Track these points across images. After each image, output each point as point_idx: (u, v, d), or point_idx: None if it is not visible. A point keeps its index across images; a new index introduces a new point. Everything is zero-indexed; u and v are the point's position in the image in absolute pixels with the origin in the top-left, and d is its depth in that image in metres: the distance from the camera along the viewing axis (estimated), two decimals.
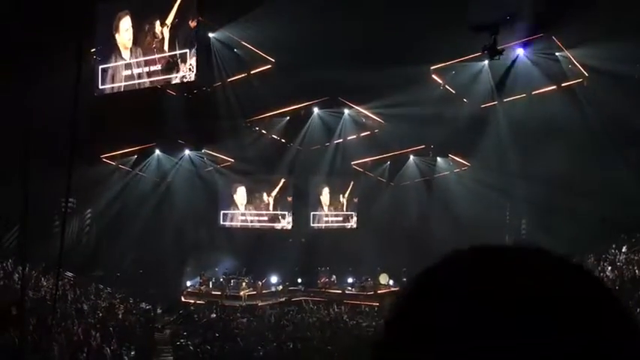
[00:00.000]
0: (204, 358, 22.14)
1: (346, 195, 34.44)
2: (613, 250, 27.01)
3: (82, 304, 23.77)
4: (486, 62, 23.27)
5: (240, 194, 33.77)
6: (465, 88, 24.70)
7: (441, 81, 24.39)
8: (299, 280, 32.68)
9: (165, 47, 19.34)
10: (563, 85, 24.03)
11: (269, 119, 28.23)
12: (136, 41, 19.91)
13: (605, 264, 26.28)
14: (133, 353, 21.01)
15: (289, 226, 33.77)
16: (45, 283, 24.12)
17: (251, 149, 29.58)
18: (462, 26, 18.51)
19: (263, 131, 29.36)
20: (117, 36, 20.14)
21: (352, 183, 34.17)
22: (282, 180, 33.28)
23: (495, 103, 25.64)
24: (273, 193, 33.63)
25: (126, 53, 20.01)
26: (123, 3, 20.05)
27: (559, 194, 26.06)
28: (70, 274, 25.67)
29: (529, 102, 24.69)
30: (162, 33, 19.42)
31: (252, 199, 33.92)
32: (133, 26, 19.93)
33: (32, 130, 20.72)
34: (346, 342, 23.05)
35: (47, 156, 21.39)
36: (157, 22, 19.45)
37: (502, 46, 19.40)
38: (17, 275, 22.07)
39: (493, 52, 18.16)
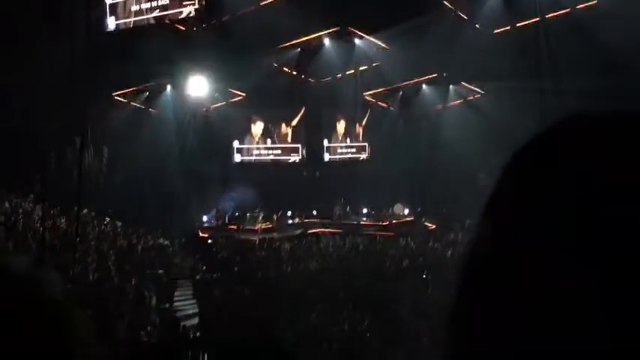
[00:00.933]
0: (224, 290, 22.56)
1: (359, 126, 34.33)
2: None
3: (101, 242, 24.07)
4: None
5: (256, 127, 33.71)
6: (477, 14, 24.35)
7: (452, 7, 24.04)
8: (314, 212, 32.87)
9: None
10: (577, 7, 23.61)
11: (280, 51, 28.00)
12: None
13: None
14: (153, 288, 21.43)
15: (303, 159, 33.80)
16: (63, 222, 24.39)
17: (262, 83, 29.39)
18: None
19: (274, 64, 29.14)
20: None
21: (365, 114, 34.01)
22: (296, 111, 33.15)
23: (508, 28, 25.28)
24: (287, 127, 33.55)
25: None
26: None
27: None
28: (87, 211, 25.93)
29: (542, 26, 24.32)
30: None
31: (265, 133, 33.87)
32: None
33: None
34: (362, 270, 23.43)
35: (59, 94, 21.47)
36: None
37: None
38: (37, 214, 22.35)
39: None
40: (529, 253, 0.66)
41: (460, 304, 0.73)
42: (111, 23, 19.99)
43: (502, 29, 25.45)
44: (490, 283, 0.69)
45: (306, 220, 32.35)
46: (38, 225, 21.20)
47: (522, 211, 0.69)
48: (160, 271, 23.37)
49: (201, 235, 30.39)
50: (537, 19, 24.25)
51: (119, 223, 26.99)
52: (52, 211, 23.54)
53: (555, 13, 23.93)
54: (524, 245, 0.67)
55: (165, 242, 27.32)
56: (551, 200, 0.67)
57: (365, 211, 32.94)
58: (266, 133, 33.85)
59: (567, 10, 23.75)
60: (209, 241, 29.28)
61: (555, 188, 0.67)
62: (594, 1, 22.95)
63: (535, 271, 0.65)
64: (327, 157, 34.15)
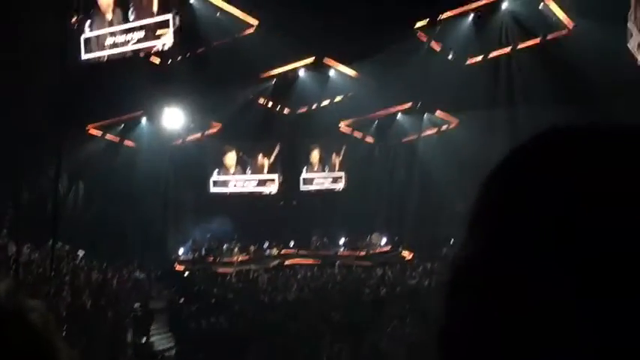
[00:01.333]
0: (201, 323, 22.36)
1: (335, 156, 34.42)
2: None
3: (75, 276, 23.78)
4: (470, 18, 23.24)
5: (230, 159, 33.71)
6: (451, 43, 24.67)
7: (425, 37, 24.33)
8: (291, 243, 32.80)
9: (147, 13, 19.13)
10: (547, 37, 23.99)
11: (255, 83, 28.10)
12: (118, 8, 19.69)
13: None
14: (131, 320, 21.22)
15: (279, 190, 33.79)
16: (37, 256, 24.08)
17: (238, 114, 29.46)
18: None
19: (250, 95, 29.24)
20: (98, 3, 19.90)
21: (340, 144, 34.13)
22: (272, 142, 33.23)
23: (481, 57, 25.62)
24: (263, 158, 33.59)
25: (107, 21, 19.79)
26: None
27: None
28: (61, 244, 25.63)
29: (514, 56, 24.69)
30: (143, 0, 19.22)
31: (241, 165, 33.87)
32: None
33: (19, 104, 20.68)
34: (340, 301, 23.34)
35: (34, 130, 21.34)
36: None
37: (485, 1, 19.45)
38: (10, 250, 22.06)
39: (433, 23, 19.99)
40: (512, 270, 0.66)
41: (447, 323, 0.72)
42: (85, 56, 19.91)
43: (475, 59, 25.77)
44: (474, 301, 0.68)
45: (283, 251, 32.26)
46: (11, 260, 20.90)
47: (502, 227, 0.69)
48: (136, 305, 23.11)
49: (177, 267, 30.18)
50: (509, 49, 24.60)
51: (94, 257, 26.71)
52: (25, 245, 23.24)
53: (527, 43, 24.29)
54: (506, 263, 0.66)
55: (141, 275, 27.07)
56: (529, 214, 0.66)
57: (342, 241, 32.90)
58: (242, 164, 33.84)
59: (538, 40, 24.11)
60: (185, 273, 29.08)
61: (533, 202, 0.67)
62: (565, 32, 23.31)
63: (518, 289, 0.65)
64: (303, 187, 34.15)
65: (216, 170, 33.81)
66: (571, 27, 22.96)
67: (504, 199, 0.71)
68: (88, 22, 20.00)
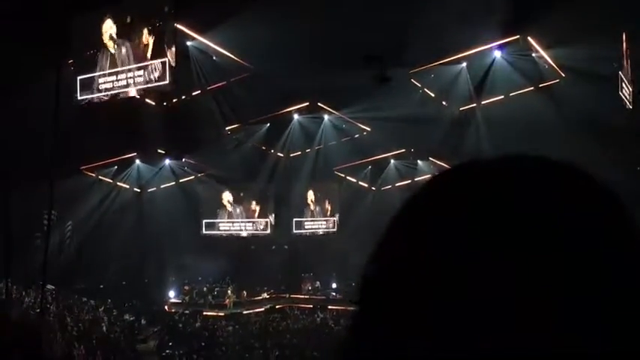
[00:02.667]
0: None
1: (328, 200, 34.44)
2: None
3: (65, 317, 23.57)
4: (464, 65, 23.50)
5: (225, 201, 33.71)
6: (444, 91, 24.89)
7: (419, 84, 24.54)
8: (283, 287, 32.64)
9: (142, 56, 19.27)
10: (540, 85, 24.24)
11: (249, 127, 28.21)
12: (113, 51, 19.83)
13: None
14: None
15: (272, 233, 33.72)
16: (27, 298, 23.90)
17: (232, 157, 29.53)
18: (439, 29, 18.73)
19: (243, 139, 29.33)
20: (94, 46, 20.04)
21: (334, 188, 34.18)
22: (264, 187, 33.24)
23: (474, 105, 25.84)
24: (255, 201, 33.59)
25: (103, 63, 19.91)
26: (99, 13, 19.97)
27: None
28: (51, 287, 25.44)
29: (508, 103, 24.89)
30: (138, 42, 19.35)
31: (234, 207, 33.84)
32: (109, 36, 19.86)
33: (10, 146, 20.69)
34: (332, 347, 23.08)
35: (26, 169, 21.32)
36: (134, 32, 19.38)
37: (478, 49, 19.69)
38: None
39: (382, 80, 20.52)
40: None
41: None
42: (81, 97, 19.98)
43: (468, 106, 25.99)
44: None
45: (275, 295, 32.07)
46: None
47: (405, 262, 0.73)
48: (126, 347, 22.89)
49: (167, 309, 29.93)
50: (502, 96, 24.82)
51: (84, 298, 26.50)
52: (15, 287, 23.06)
53: (520, 91, 24.51)
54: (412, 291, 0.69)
55: (131, 317, 26.84)
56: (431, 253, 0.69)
57: (334, 285, 32.74)
58: (234, 207, 33.81)
59: (531, 88, 24.35)
60: (176, 316, 28.83)
61: (435, 240, 0.70)
62: (557, 80, 23.56)
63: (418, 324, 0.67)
64: (295, 230, 34.09)
65: (209, 213, 33.78)
66: (563, 75, 23.22)
67: (411, 239, 0.75)
68: (84, 63, 20.12)
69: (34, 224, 24.70)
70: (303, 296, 32.18)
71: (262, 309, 30.37)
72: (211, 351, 23.27)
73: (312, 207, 34.35)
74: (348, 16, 18.84)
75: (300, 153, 31.45)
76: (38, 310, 20.51)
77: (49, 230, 20.83)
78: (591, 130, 23.98)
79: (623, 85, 20.61)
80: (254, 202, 33.67)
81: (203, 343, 24.28)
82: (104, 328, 23.99)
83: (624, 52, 20.48)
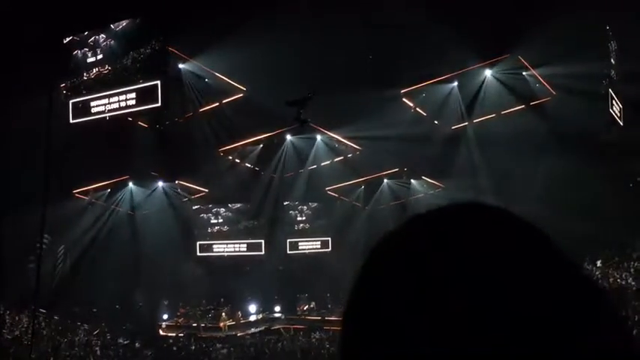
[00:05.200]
0: None
1: (322, 220, 34.41)
2: (588, 265, 27.26)
3: (58, 341, 23.41)
4: (456, 84, 23.64)
5: (219, 222, 33.67)
6: (436, 110, 25.00)
7: (411, 104, 24.65)
8: (277, 308, 32.51)
9: (135, 79, 19.32)
10: (531, 103, 24.37)
11: (242, 148, 28.23)
12: (106, 74, 19.88)
13: None
14: None
15: (266, 254, 33.64)
16: (20, 322, 23.75)
17: (225, 179, 29.53)
18: (431, 49, 18.89)
19: (236, 160, 29.34)
20: (86, 69, 20.10)
21: (327, 208, 34.17)
22: (258, 208, 33.21)
23: (466, 124, 25.94)
24: (249, 222, 33.54)
25: (96, 87, 19.95)
26: (91, 36, 20.05)
27: (533, 211, 26.21)
28: (44, 311, 25.31)
29: (499, 121, 25.02)
30: (131, 65, 19.42)
31: (228, 228, 33.79)
32: (102, 59, 19.92)
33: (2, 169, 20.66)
34: None
35: (19, 193, 21.27)
36: (126, 55, 19.45)
37: (468, 69, 19.84)
38: None
39: (300, 122, 22.03)
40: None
41: None
42: (73, 120, 20.00)
43: (460, 125, 26.10)
44: None
45: (270, 316, 31.93)
46: None
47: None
48: None
49: (162, 333, 29.75)
50: (493, 115, 24.94)
51: (78, 322, 26.34)
52: (7, 310, 22.94)
53: (511, 110, 24.65)
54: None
55: (126, 341, 26.66)
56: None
57: (329, 305, 32.61)
58: (229, 229, 33.75)
59: (522, 106, 24.49)
60: (170, 339, 28.65)
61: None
62: (548, 98, 23.70)
63: None
64: (290, 251, 34.01)
65: (203, 234, 33.72)
66: (554, 93, 23.37)
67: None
68: (76, 86, 20.15)
69: (27, 248, 24.58)
70: (298, 317, 32.02)
71: (257, 330, 30.21)
72: None
73: (305, 227, 34.30)
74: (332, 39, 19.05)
75: (293, 173, 31.46)
76: (30, 335, 20.41)
77: (40, 254, 20.74)
78: (583, 147, 24.12)
79: (614, 102, 20.76)
80: (248, 223, 33.61)
81: None
82: (98, 352, 23.81)
83: (614, 69, 20.64)
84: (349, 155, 29.14)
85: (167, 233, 31.46)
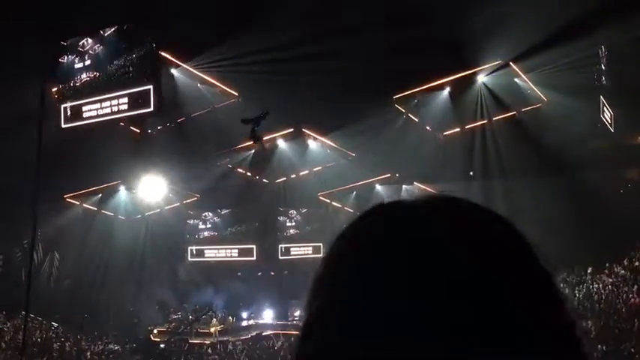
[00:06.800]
0: None
1: (313, 226, 34.38)
2: (580, 272, 27.32)
3: (50, 347, 23.31)
4: (447, 90, 23.72)
5: (210, 227, 33.64)
6: (428, 116, 25.07)
7: (403, 110, 24.71)
8: (270, 314, 32.43)
9: (127, 84, 19.28)
10: (522, 110, 24.48)
11: (234, 153, 28.21)
12: (98, 79, 19.84)
13: (571, 286, 26.62)
14: None
15: (258, 260, 33.59)
16: (8, 329, 23.64)
17: (217, 184, 29.50)
18: (422, 55, 18.95)
19: (228, 165, 29.31)
20: (79, 73, 20.05)
21: (319, 213, 34.15)
22: (250, 213, 33.20)
23: (457, 130, 26.03)
24: (241, 227, 33.50)
25: (88, 91, 19.89)
26: (85, 41, 20.01)
27: (523, 218, 26.30)
28: (32, 316, 25.20)
29: (490, 128, 25.13)
30: (123, 70, 19.39)
31: (220, 234, 33.76)
32: (94, 64, 19.88)
33: None
34: None
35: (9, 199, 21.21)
36: (118, 60, 19.42)
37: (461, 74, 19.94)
38: None
39: (254, 139, 22.37)
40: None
41: None
42: (65, 125, 19.93)
43: (451, 131, 26.19)
44: None
45: (262, 322, 31.85)
46: None
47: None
48: None
49: (153, 339, 29.63)
50: (485, 121, 25.03)
51: (68, 328, 26.23)
52: None
53: (502, 116, 24.75)
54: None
55: (116, 347, 26.56)
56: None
57: None
58: (220, 234, 33.71)
59: (513, 113, 24.61)
60: (161, 344, 28.54)
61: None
62: (539, 105, 23.81)
63: None
64: (281, 257, 33.97)
65: (194, 239, 33.67)
66: (545, 100, 23.49)
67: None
68: (67, 91, 20.08)
69: (17, 254, 24.50)
70: (290, 323, 31.95)
71: (249, 336, 30.12)
72: None
73: (297, 233, 34.27)
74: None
75: (285, 179, 31.47)
76: (20, 341, 20.34)
77: (31, 260, 20.65)
78: (573, 153, 24.23)
79: (605, 108, 20.88)
80: (240, 229, 33.58)
81: None
82: (89, 358, 23.72)
83: (604, 76, 20.76)
84: (341, 161, 29.16)
85: (159, 238, 31.41)
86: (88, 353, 24.27)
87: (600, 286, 25.81)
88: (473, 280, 0.73)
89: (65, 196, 28.69)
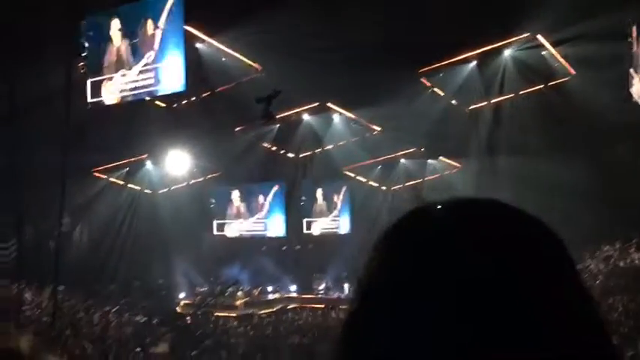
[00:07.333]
0: None
1: (338, 200, 34.41)
2: (605, 247, 27.14)
3: (78, 318, 23.68)
4: (474, 63, 23.49)
5: (235, 201, 33.80)
6: (454, 89, 24.88)
7: (429, 83, 24.54)
8: (294, 288, 32.65)
9: (153, 59, 19.33)
10: (550, 83, 24.20)
11: (258, 127, 28.24)
12: (124, 53, 19.90)
13: (599, 261, 26.46)
14: None
15: (283, 234, 33.75)
16: (39, 300, 24.03)
17: (242, 158, 29.59)
18: (449, 27, 18.77)
19: (253, 139, 29.38)
20: (104, 48, 20.12)
21: (344, 188, 34.16)
22: (275, 186, 33.30)
23: (484, 104, 25.82)
24: (267, 199, 33.61)
25: (113, 66, 19.97)
26: (109, 15, 20.05)
27: (550, 193, 26.14)
28: (62, 287, 25.57)
29: (517, 102, 24.89)
30: (148, 44, 19.42)
31: (245, 208, 33.92)
32: (120, 38, 19.93)
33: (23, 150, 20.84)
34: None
35: (39, 172, 21.47)
36: (143, 34, 19.45)
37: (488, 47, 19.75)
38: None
39: (268, 119, 22.79)
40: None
41: None
42: (91, 100, 20.06)
43: (478, 105, 25.98)
44: None
45: (286, 295, 32.07)
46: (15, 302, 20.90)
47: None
48: (137, 349, 22.92)
49: (179, 311, 29.98)
50: (512, 95, 24.80)
51: (95, 300, 26.60)
52: (27, 288, 23.24)
53: (529, 90, 24.50)
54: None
55: (143, 319, 26.88)
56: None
57: (346, 285, 32.69)
58: (245, 208, 33.87)
59: (540, 86, 24.35)
60: (187, 317, 28.86)
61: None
62: (567, 78, 23.53)
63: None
64: (306, 231, 34.08)
65: (220, 213, 33.88)
66: (573, 73, 23.19)
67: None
68: (94, 66, 20.18)
69: (47, 227, 24.83)
70: (314, 296, 32.14)
71: (274, 309, 30.34)
72: (222, 352, 23.28)
73: (322, 207, 34.33)
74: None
75: (310, 153, 31.50)
76: (51, 312, 20.72)
77: (59, 233, 20.95)
78: (601, 127, 23.95)
79: (633, 82, 20.52)
80: (264, 203, 33.71)
81: (215, 344, 24.29)
82: (115, 330, 24.06)
83: (635, 48, 20.38)
84: (366, 135, 29.12)
85: (184, 212, 31.65)
86: (114, 323, 24.60)
87: (628, 260, 25.62)
88: (497, 282, 0.74)
89: (93, 170, 28.97)
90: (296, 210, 33.87)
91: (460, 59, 23.23)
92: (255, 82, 22.95)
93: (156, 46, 19.27)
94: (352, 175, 33.52)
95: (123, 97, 19.93)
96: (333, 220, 34.25)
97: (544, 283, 0.76)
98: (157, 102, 23.53)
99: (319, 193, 34.20)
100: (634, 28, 19.98)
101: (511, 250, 0.77)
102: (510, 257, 0.76)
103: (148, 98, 21.10)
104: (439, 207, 0.88)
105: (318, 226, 34.21)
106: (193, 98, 24.08)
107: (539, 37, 21.60)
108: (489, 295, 0.73)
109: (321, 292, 32.59)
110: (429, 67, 23.41)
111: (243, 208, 33.87)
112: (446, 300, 0.73)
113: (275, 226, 33.73)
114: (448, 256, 0.76)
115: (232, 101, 23.98)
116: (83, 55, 20.32)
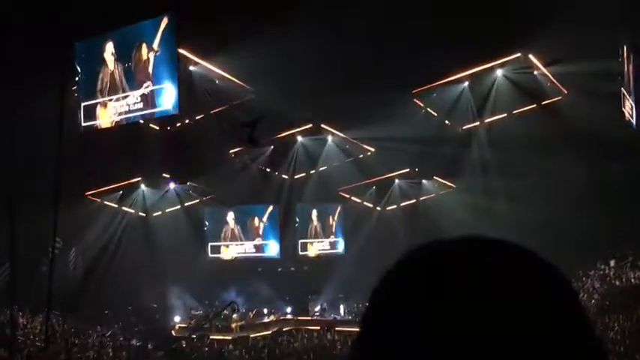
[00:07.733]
0: None
1: (333, 221, 34.40)
2: (601, 266, 27.13)
3: (72, 343, 23.50)
4: (466, 84, 23.56)
5: (229, 223, 33.69)
6: (446, 110, 24.94)
7: (422, 104, 24.59)
8: (289, 310, 32.52)
9: (146, 82, 19.32)
10: (542, 103, 24.27)
11: (253, 149, 28.24)
12: (117, 77, 19.89)
13: (594, 279, 26.43)
14: None
15: (278, 256, 33.65)
16: (32, 324, 23.86)
17: (236, 180, 29.55)
18: (442, 49, 18.85)
19: (247, 161, 29.37)
20: (97, 72, 20.11)
21: (339, 209, 34.15)
22: (270, 207, 33.25)
23: (477, 124, 25.88)
24: (262, 221, 33.54)
25: (107, 89, 19.96)
26: (103, 39, 20.07)
27: (544, 211, 26.17)
28: (57, 313, 25.40)
29: (510, 121, 24.96)
30: (142, 68, 19.43)
31: (240, 230, 33.82)
32: (113, 62, 19.94)
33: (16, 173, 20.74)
34: None
35: (31, 197, 21.37)
36: (137, 58, 19.46)
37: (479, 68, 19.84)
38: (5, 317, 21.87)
39: (251, 143, 23.28)
40: None
41: None
42: (85, 123, 20.02)
43: (472, 125, 26.03)
44: None
45: (282, 318, 31.93)
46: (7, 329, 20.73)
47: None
48: None
49: (174, 335, 29.80)
50: (505, 114, 24.85)
51: (90, 324, 26.43)
52: (22, 313, 23.08)
53: (522, 109, 24.55)
54: None
55: (138, 343, 26.72)
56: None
57: (341, 307, 32.57)
58: (239, 231, 33.77)
59: (533, 105, 24.41)
60: (183, 342, 28.67)
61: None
62: (559, 97, 23.60)
63: None
64: (301, 252, 34.01)
65: (214, 236, 33.76)
66: (565, 92, 23.28)
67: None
68: (87, 90, 20.16)
69: (40, 251, 24.69)
70: (310, 318, 32.01)
71: (269, 332, 30.19)
72: None
73: (317, 228, 34.29)
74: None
75: (304, 174, 31.49)
76: (44, 337, 20.53)
77: (53, 257, 20.81)
78: (594, 146, 24.05)
79: (626, 101, 20.62)
80: (259, 225, 33.63)
81: None
82: (110, 354, 23.88)
83: (626, 68, 20.50)
84: (360, 156, 29.14)
85: (179, 235, 31.57)
86: (110, 349, 24.42)
87: (624, 279, 25.61)
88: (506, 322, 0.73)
89: (87, 194, 28.86)
90: (291, 231, 33.80)
91: (453, 79, 23.30)
92: (248, 103, 22.97)
93: (150, 69, 19.28)
94: (347, 195, 33.50)
95: (117, 121, 19.89)
96: (328, 242, 34.21)
97: (554, 336, 0.74)
98: (151, 125, 23.51)
99: (314, 214, 34.18)
100: (625, 48, 20.11)
101: (523, 299, 0.76)
102: (524, 308, 0.75)
103: (142, 121, 21.07)
104: (446, 255, 0.86)
105: (314, 248, 34.16)
106: (187, 121, 24.06)
107: (531, 57, 21.70)
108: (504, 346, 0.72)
109: (317, 313, 32.47)
110: (423, 88, 23.46)
111: (237, 230, 33.77)
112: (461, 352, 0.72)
113: (270, 247, 33.64)
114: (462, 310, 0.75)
115: (225, 123, 24.00)
116: (77, 79, 20.31)
